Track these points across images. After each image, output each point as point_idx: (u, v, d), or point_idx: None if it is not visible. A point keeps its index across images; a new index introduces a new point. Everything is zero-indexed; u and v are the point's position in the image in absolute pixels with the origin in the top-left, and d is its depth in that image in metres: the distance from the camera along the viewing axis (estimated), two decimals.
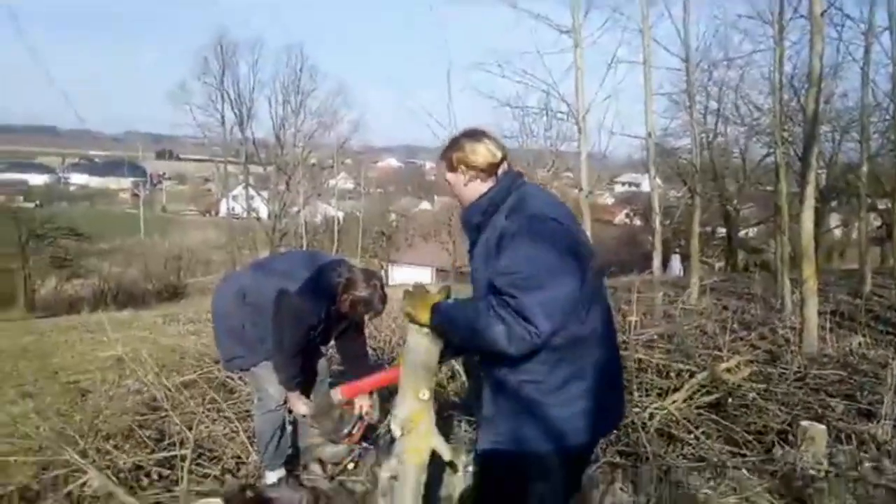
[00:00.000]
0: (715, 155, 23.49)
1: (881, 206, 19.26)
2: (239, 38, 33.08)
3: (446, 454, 2.08)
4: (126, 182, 65.21)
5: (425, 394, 2.02)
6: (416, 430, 2.01)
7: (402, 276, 31.92)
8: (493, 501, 2.04)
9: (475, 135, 2.02)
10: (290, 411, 3.38)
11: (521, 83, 9.13)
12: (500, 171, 2.00)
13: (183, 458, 3.35)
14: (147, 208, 49.65)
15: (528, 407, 1.88)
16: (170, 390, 4.72)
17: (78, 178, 66.52)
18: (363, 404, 3.24)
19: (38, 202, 43.87)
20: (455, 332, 1.94)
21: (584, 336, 1.89)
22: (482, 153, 1.98)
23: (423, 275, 32.92)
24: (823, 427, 3.60)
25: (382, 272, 32.25)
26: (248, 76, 32.15)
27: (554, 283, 1.79)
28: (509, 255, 1.82)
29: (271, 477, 3.34)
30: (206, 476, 3.48)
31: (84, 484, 3.28)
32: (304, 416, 3.34)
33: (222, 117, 31.75)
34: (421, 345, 2.04)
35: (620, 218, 45.95)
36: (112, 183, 65.82)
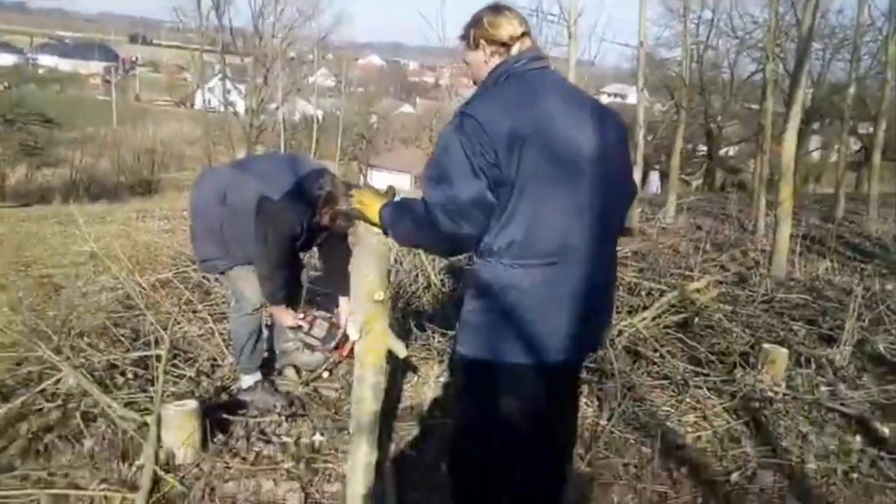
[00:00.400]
0: (704, 69, 23.12)
1: (862, 130, 19.32)
2: None
3: (401, 352, 2.14)
4: (97, 66, 62.62)
5: (380, 295, 2.03)
6: (372, 331, 2.04)
7: (381, 181, 31.64)
8: (466, 412, 2.06)
9: (496, 8, 1.90)
10: (270, 316, 3.41)
11: None
12: (516, 49, 1.87)
13: (158, 359, 3.37)
14: (120, 95, 47.93)
15: (504, 316, 1.84)
16: (144, 289, 4.73)
17: (47, 60, 63.52)
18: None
19: (5, 84, 42.12)
20: (400, 231, 1.90)
21: (566, 248, 1.79)
22: (503, 26, 1.86)
23: (402, 180, 32.67)
24: (785, 350, 3.73)
25: (362, 177, 31.96)
26: None
27: (447, 185, 1.73)
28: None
29: (247, 381, 3.39)
30: (181, 377, 3.53)
31: (58, 381, 3.31)
32: (291, 327, 3.34)
33: (198, 1, 30.22)
34: (371, 244, 2.04)
35: None
36: (82, 67, 63.15)
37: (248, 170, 3.30)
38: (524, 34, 1.88)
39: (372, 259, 2.05)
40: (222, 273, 3.29)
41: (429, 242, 1.94)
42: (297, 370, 3.71)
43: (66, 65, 63.40)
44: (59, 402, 3.21)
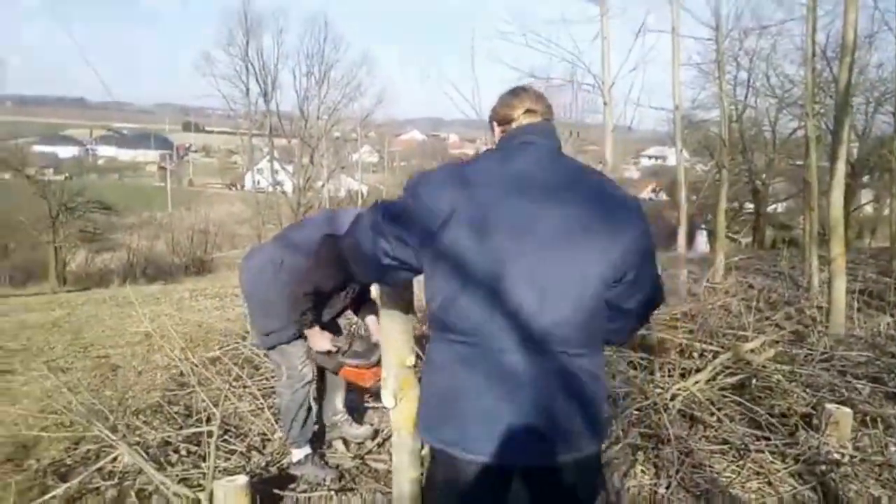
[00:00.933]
0: (744, 128, 23.08)
1: None
2: (263, 7, 33.07)
3: None
4: (153, 154, 66.02)
5: (411, 360, 2.05)
6: (406, 398, 2.03)
7: None
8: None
9: (513, 89, 1.87)
10: (316, 385, 3.43)
11: (547, 53, 9.02)
12: (514, 126, 1.80)
13: (210, 435, 3.42)
14: (174, 181, 50.21)
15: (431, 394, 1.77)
16: (196, 366, 4.81)
17: (106, 151, 67.38)
18: None
19: (67, 175, 44.57)
20: (346, 240, 1.91)
21: (482, 329, 1.62)
22: (509, 105, 1.82)
23: None
24: (849, 410, 3.57)
25: None
26: (272, 47, 32.29)
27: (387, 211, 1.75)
28: None
29: (297, 454, 3.39)
30: (232, 452, 3.55)
31: (115, 459, 3.38)
32: (325, 351, 3.28)
33: (247, 89, 31.91)
34: (396, 306, 2.05)
35: (646, 193, 45.49)
36: (139, 156, 66.66)
37: (291, 237, 3.39)
38: (529, 111, 1.79)
39: (398, 323, 2.07)
40: (284, 343, 3.29)
41: (352, 256, 1.86)
42: (346, 443, 3.70)
43: (124, 154, 67.10)
44: (116, 480, 3.26)
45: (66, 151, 58.55)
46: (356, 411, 3.98)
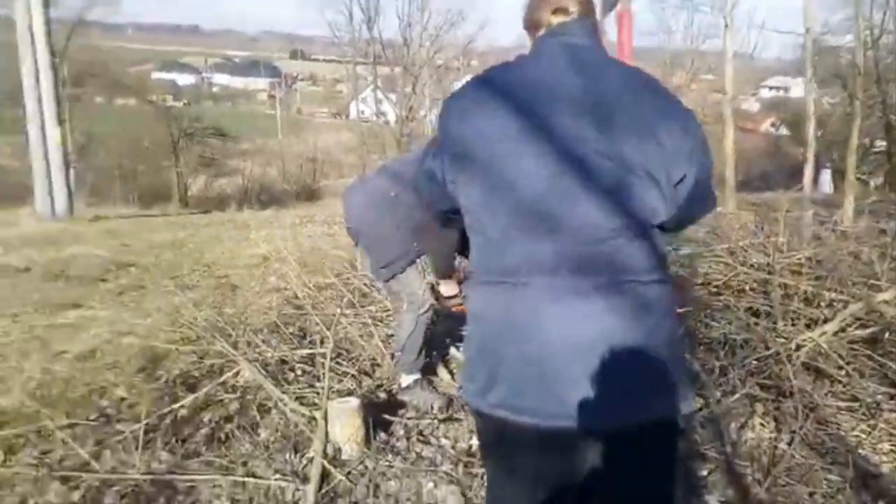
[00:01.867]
0: (880, 56, 20.85)
1: None
2: None
3: None
4: (262, 83, 68.03)
5: None
6: None
7: None
8: None
9: None
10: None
11: None
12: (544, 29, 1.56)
13: (323, 357, 3.56)
14: (282, 108, 51.68)
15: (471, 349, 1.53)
16: (310, 290, 5.01)
17: (220, 79, 70.08)
18: None
19: (186, 101, 46.79)
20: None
21: (506, 265, 1.40)
22: (527, 6, 1.61)
23: None
24: None
25: None
26: None
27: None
28: None
29: (406, 380, 3.47)
30: (344, 375, 3.69)
31: (237, 374, 3.58)
32: (449, 296, 3.36)
33: (350, 15, 31.91)
34: None
35: (765, 126, 42.47)
36: (250, 83, 68.88)
37: (401, 170, 3.34)
38: (558, 10, 1.54)
39: None
40: (401, 272, 3.31)
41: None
42: (451, 372, 3.76)
43: (236, 82, 69.53)
44: (238, 394, 3.47)
45: (183, 79, 61.29)
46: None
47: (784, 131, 36.05)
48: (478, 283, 1.47)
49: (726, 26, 8.04)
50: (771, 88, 55.24)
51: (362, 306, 4.71)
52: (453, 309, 3.44)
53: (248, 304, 5.10)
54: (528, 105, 1.41)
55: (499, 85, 1.47)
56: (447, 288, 3.34)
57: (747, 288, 4.53)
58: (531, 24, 1.59)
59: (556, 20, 1.53)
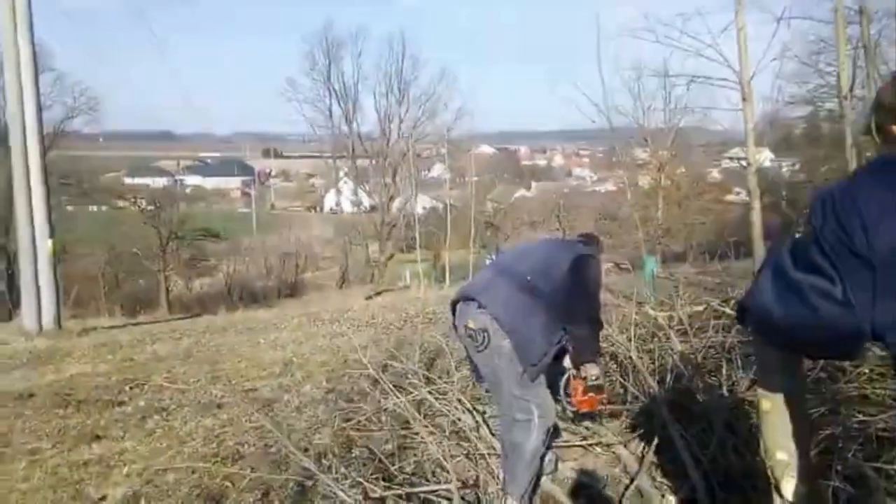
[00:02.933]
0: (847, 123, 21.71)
1: None
2: (343, 30, 34.09)
3: None
4: (235, 181, 68.35)
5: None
6: None
7: None
8: None
9: None
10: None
11: (678, 48, 8.47)
12: None
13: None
14: (258, 206, 51.66)
15: None
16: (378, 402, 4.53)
17: (192, 180, 70.12)
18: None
19: (157, 203, 46.41)
20: None
21: None
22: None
23: None
24: None
25: None
26: (352, 68, 33.03)
27: None
28: None
29: None
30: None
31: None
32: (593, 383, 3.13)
33: (329, 111, 32.51)
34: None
35: (730, 196, 43.45)
36: (223, 182, 69.08)
37: (523, 258, 3.26)
38: None
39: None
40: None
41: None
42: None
43: (209, 182, 69.64)
44: None
45: (157, 182, 61.18)
46: None
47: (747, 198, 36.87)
48: None
49: (744, 99, 8.02)
50: (732, 159, 57.13)
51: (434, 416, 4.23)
52: (585, 407, 3.16)
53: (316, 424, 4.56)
54: None
55: None
56: (595, 369, 3.07)
57: None
58: None
59: None
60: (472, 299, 3.06)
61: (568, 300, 2.97)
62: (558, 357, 3.24)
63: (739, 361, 4.08)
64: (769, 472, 1.63)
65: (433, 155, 38.76)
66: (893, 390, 3.62)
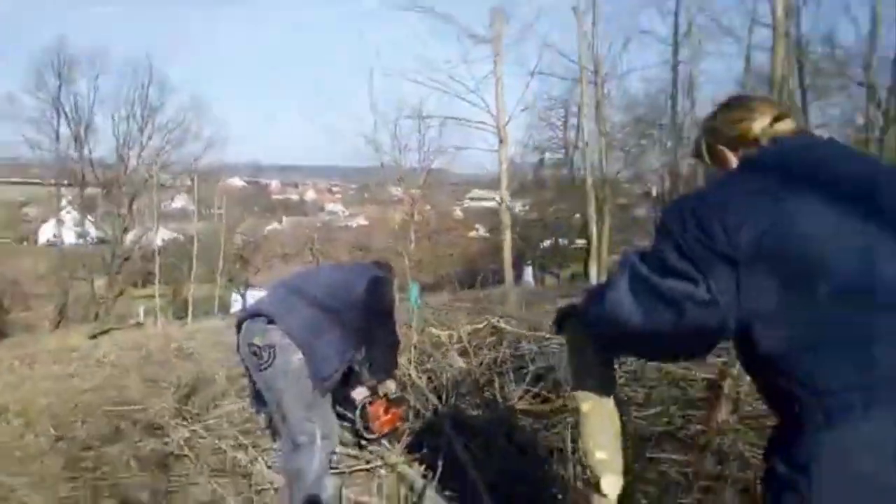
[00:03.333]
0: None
1: None
2: (79, 51, 30.33)
3: None
4: None
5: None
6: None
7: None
8: None
9: (729, 100, 1.56)
10: None
11: (443, 91, 8.92)
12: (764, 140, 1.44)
13: None
14: None
15: None
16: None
17: None
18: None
19: None
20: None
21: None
22: (724, 121, 1.52)
23: None
24: None
25: (241, 299, 30.62)
26: (87, 89, 29.45)
27: None
28: None
29: None
30: None
31: None
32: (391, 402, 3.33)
33: (56, 134, 28.63)
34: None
35: (472, 233, 47.00)
36: None
37: (316, 279, 3.24)
38: (779, 118, 1.40)
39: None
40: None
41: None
42: None
43: None
44: None
45: None
46: None
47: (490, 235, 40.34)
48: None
49: (501, 140, 8.65)
50: (473, 199, 62.05)
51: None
52: (385, 428, 3.32)
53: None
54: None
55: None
56: (392, 384, 3.26)
57: None
58: (732, 140, 1.43)
59: (784, 127, 1.39)
60: (262, 315, 2.87)
61: (366, 320, 2.98)
62: (345, 383, 3.15)
63: (511, 375, 4.26)
64: (588, 473, 1.63)
65: (177, 185, 36.15)
66: (646, 389, 4.05)
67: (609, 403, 1.67)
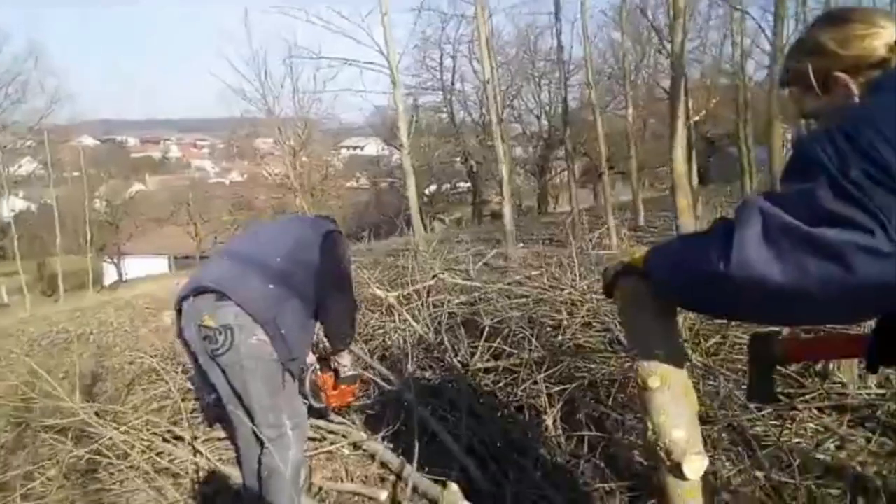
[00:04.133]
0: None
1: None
2: None
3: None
4: None
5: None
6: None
7: (137, 269, 28.41)
8: None
9: (834, 13, 1.35)
10: None
11: (329, 28, 8.32)
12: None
13: None
14: None
15: None
16: None
17: None
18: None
19: None
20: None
21: None
22: (842, 39, 1.29)
23: (160, 265, 29.77)
24: None
25: (115, 268, 28.51)
26: None
27: None
28: None
29: None
30: None
31: None
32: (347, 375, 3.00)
33: None
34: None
35: (351, 182, 46.13)
36: None
37: (267, 241, 2.75)
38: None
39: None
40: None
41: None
42: None
43: None
44: None
45: None
46: None
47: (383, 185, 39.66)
48: None
49: (394, 83, 8.22)
50: (349, 148, 60.62)
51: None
52: (335, 402, 3.02)
53: None
54: None
55: None
56: (346, 359, 2.94)
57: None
58: (853, 64, 1.21)
59: None
60: (210, 291, 2.43)
61: (321, 281, 2.59)
62: None
63: (463, 331, 4.08)
64: (662, 456, 1.45)
65: (21, 148, 32.66)
66: (600, 337, 4.00)
67: (682, 375, 1.50)
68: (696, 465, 1.44)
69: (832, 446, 2.81)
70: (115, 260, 29.80)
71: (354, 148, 59.58)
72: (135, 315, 8.61)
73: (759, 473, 2.64)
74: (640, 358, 1.50)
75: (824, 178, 1.02)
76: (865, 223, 0.98)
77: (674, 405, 1.46)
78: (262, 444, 2.55)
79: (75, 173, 47.71)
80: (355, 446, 3.34)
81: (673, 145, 5.62)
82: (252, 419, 2.50)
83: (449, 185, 31.62)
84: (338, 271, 2.67)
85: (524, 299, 4.49)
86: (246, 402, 2.46)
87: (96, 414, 3.89)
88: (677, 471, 1.44)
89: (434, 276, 4.44)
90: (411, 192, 8.80)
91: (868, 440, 2.81)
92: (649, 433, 1.49)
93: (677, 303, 1.42)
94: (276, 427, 2.48)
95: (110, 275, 29.81)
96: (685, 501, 1.47)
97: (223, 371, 2.45)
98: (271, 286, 2.46)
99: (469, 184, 28.35)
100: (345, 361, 2.93)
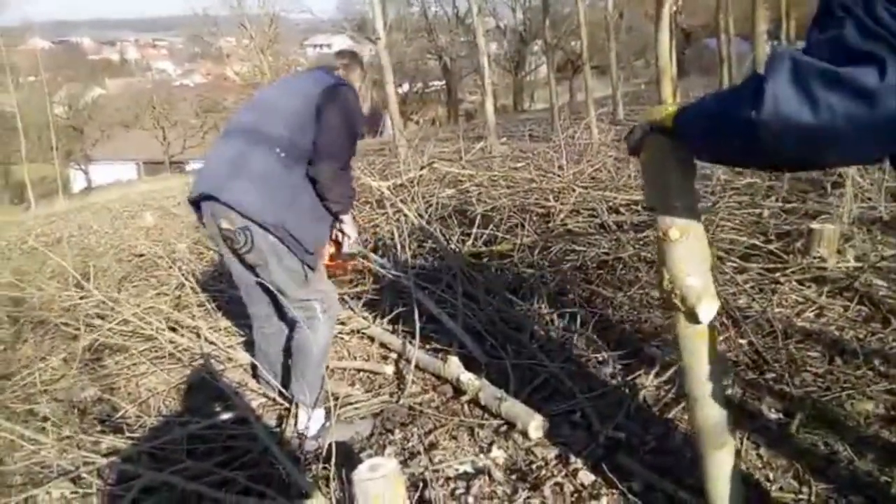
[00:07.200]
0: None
1: None
2: None
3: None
4: None
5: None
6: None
7: (104, 175, 27.74)
8: None
9: None
10: None
11: None
12: None
13: None
14: None
15: None
16: None
17: None
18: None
19: None
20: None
21: None
22: None
23: (128, 171, 29.13)
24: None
25: (83, 175, 27.77)
26: None
27: None
28: None
29: (317, 421, 2.58)
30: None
31: None
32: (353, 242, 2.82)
33: None
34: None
35: None
36: None
37: (269, 117, 2.49)
38: None
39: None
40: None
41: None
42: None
43: None
44: None
45: None
46: None
47: None
48: None
49: None
50: (315, 46, 58.39)
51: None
52: (351, 267, 3.02)
53: None
54: None
55: None
56: (353, 231, 2.76)
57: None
58: None
59: None
60: (214, 198, 2.36)
61: (318, 143, 2.43)
62: None
63: (455, 219, 4.14)
64: (678, 303, 1.54)
65: None
66: (588, 222, 4.09)
67: (698, 227, 1.57)
68: (709, 309, 1.54)
69: (812, 314, 2.99)
70: (83, 166, 29.02)
71: (321, 46, 57.47)
72: (114, 217, 8.51)
73: (742, 341, 2.80)
74: (661, 212, 1.57)
75: (850, 20, 1.03)
76: (890, 59, 1.00)
77: (690, 255, 1.55)
78: (290, 326, 2.65)
79: (31, 78, 45.51)
80: (354, 332, 3.44)
81: (659, 28, 5.49)
82: (281, 305, 2.57)
83: (421, 84, 30.91)
84: (331, 129, 2.44)
85: (514, 188, 4.54)
86: (277, 289, 2.49)
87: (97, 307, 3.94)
88: (691, 315, 1.55)
89: (429, 163, 4.43)
90: (390, 89, 8.60)
91: (846, 308, 2.99)
92: (665, 282, 1.58)
93: (707, 156, 1.46)
94: (307, 311, 2.52)
95: (79, 182, 29.12)
96: (696, 345, 1.58)
97: (253, 265, 2.47)
98: (274, 183, 2.38)
99: (444, 82, 27.68)
100: (349, 231, 2.74)
